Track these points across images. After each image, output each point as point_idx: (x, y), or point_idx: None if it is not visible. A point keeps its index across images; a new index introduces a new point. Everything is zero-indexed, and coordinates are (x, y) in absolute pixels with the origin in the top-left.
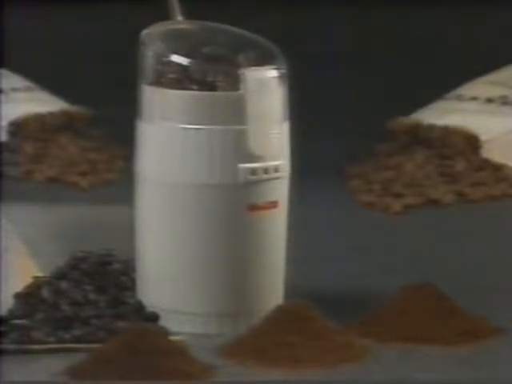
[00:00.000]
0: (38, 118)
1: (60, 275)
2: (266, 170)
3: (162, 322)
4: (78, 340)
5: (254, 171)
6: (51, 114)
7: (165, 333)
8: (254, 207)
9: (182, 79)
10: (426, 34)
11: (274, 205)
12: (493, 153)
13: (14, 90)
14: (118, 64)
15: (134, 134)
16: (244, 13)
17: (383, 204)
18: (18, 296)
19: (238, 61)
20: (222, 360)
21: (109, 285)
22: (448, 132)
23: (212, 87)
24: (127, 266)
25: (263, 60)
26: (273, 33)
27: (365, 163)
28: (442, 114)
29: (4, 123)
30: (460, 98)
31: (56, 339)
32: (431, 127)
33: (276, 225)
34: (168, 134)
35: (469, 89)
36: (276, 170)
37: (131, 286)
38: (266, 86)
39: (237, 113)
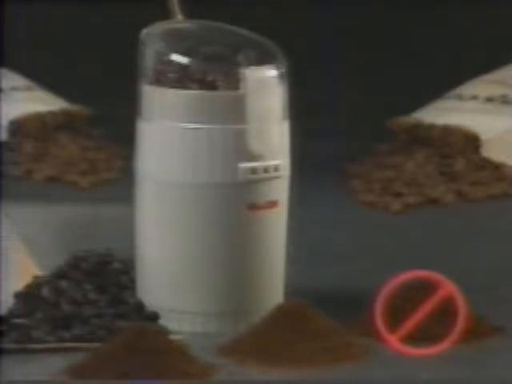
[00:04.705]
0: (38, 117)
1: (60, 274)
2: (266, 169)
3: (162, 321)
4: (78, 339)
5: (254, 170)
6: (51, 113)
7: (165, 332)
8: (253, 206)
9: (181, 78)
10: (426, 34)
11: (273, 204)
12: (493, 152)
13: (14, 89)
14: (118, 64)
15: (133, 133)
16: (244, 13)
17: (383, 203)
18: (17, 295)
19: (238, 60)
20: (221, 359)
21: (109, 284)
22: (448, 131)
23: (212, 86)
24: (127, 265)
25: (263, 59)
26: (273, 33)
27: (365, 162)
28: (442, 113)
29: (4, 122)
30: (460, 97)
31: (56, 338)
32: (431, 126)
33: (276, 224)
34: (168, 133)
35: (469, 88)
36: (276, 169)
37: (131, 286)
38: (265, 86)
39: (237, 112)
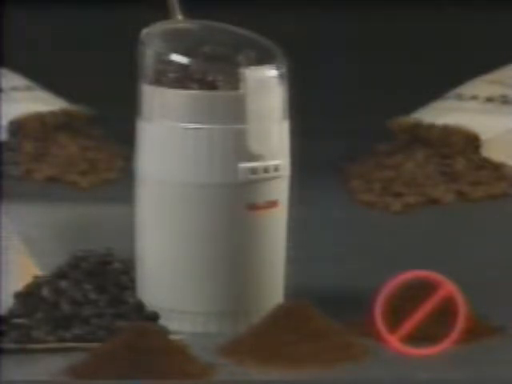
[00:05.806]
0: (38, 117)
1: (60, 274)
2: (266, 169)
3: (162, 321)
4: (77, 339)
5: (254, 170)
6: (51, 113)
7: (165, 332)
8: (253, 206)
9: (181, 78)
10: (426, 34)
11: (273, 204)
12: (493, 152)
13: (14, 89)
14: (118, 64)
15: (133, 133)
16: (244, 13)
17: (383, 203)
18: (17, 295)
19: (238, 60)
20: (221, 359)
21: (109, 284)
22: (448, 131)
23: (212, 86)
24: (127, 265)
25: (263, 59)
26: (273, 33)
27: (365, 162)
28: (442, 113)
29: (4, 122)
30: (460, 97)
31: (56, 338)
32: (431, 126)
33: (276, 224)
34: (168, 133)
35: (469, 88)
36: (276, 169)
37: (131, 286)
38: (265, 86)
39: (237, 112)
